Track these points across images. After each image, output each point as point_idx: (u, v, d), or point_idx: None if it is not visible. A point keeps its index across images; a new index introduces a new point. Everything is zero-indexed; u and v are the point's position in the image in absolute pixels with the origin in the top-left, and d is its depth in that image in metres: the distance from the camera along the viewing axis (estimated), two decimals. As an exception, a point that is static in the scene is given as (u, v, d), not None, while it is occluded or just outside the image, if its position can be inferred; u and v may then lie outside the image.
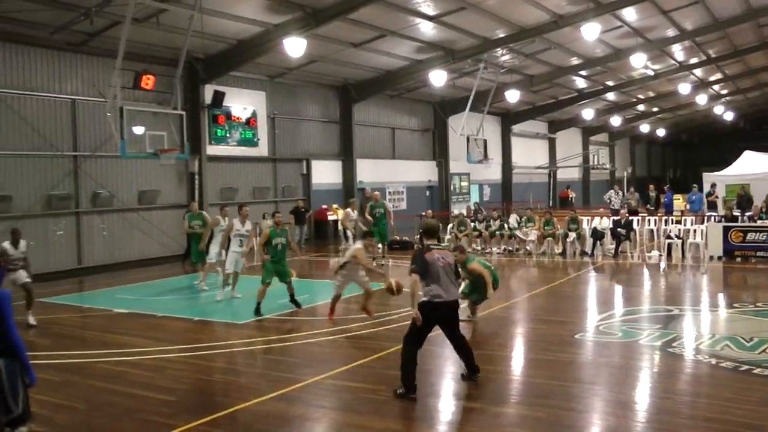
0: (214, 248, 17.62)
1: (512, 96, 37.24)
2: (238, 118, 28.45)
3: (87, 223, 23.10)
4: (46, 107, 22.03)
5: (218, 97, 26.04)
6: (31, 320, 13.93)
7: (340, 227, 30.33)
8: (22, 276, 13.99)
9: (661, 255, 23.19)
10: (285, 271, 14.78)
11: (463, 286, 13.07)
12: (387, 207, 23.31)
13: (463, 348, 9.37)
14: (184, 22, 20.47)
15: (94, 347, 12.19)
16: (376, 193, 23.78)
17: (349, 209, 22.80)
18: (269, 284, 14.54)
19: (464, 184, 43.71)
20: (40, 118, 21.79)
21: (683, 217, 26.76)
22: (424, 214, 27.55)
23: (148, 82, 21.98)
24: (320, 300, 16.70)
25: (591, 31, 25.90)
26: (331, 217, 31.88)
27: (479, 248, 25.58)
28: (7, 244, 13.88)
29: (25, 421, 6.39)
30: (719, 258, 21.80)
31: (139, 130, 21.61)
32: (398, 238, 27.19)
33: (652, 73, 39.74)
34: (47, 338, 13.02)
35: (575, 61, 34.91)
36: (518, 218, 26.11)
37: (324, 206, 32.22)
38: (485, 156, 35.92)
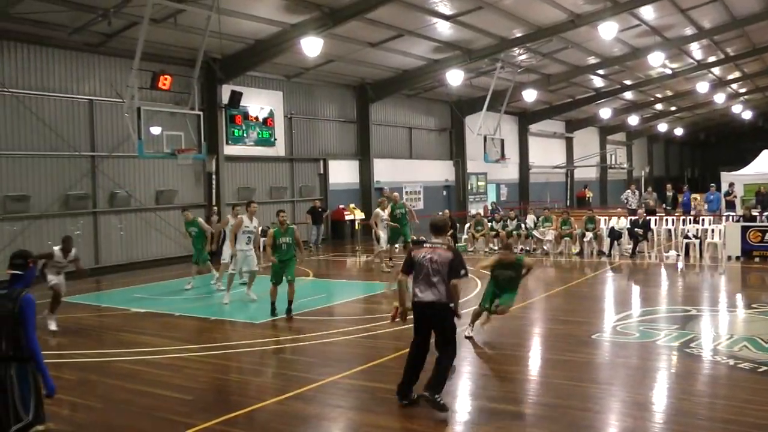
0: (227, 248, 17.63)
1: (529, 95, 37.13)
2: (255, 118, 28.52)
3: (104, 223, 23.22)
4: (63, 108, 22.17)
5: (235, 97, 26.09)
6: (52, 326, 13.57)
7: (357, 227, 30.37)
8: (61, 281, 13.75)
9: (678, 255, 23.10)
10: (289, 270, 14.35)
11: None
12: (408, 206, 23.21)
13: (438, 362, 8.49)
14: (201, 22, 20.54)
15: (112, 346, 12.27)
16: (395, 194, 23.63)
17: (378, 209, 22.37)
18: (277, 283, 14.46)
19: (481, 183, 43.65)
20: (57, 118, 21.93)
21: (701, 217, 26.62)
22: (440, 214, 27.48)
23: (165, 82, 22.06)
24: (337, 300, 16.78)
25: (608, 30, 25.76)
26: (348, 217, 31.89)
27: (496, 248, 25.52)
28: (57, 250, 13.56)
29: (42, 422, 6.34)
30: (737, 258, 21.67)
31: (156, 130, 21.71)
32: (414, 237, 27.07)
33: (669, 71, 39.50)
34: (65, 337, 13.09)
35: (592, 60, 34.77)
36: (535, 218, 26.06)
37: (341, 206, 32.25)
38: (502, 156, 35.86)
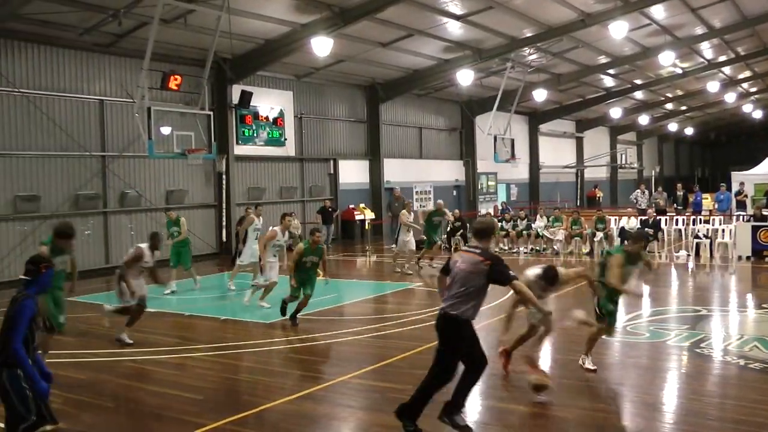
0: (247, 250, 17.52)
1: (539, 95, 37.06)
2: (265, 118, 28.52)
3: (115, 223, 23.26)
4: (74, 108, 22.22)
5: (245, 96, 26.10)
6: (125, 338, 12.53)
7: (367, 227, 30.35)
8: (141, 285, 12.82)
9: (689, 255, 23.04)
10: (310, 284, 13.75)
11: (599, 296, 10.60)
12: (447, 215, 23.08)
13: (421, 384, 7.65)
14: (211, 22, 20.57)
15: (122, 346, 12.26)
16: (440, 201, 23.36)
17: (404, 210, 22.01)
18: (295, 298, 13.99)
19: (491, 183, 43.57)
20: (68, 118, 21.99)
21: (711, 217, 26.55)
22: (456, 211, 27.46)
23: (175, 82, 22.10)
24: (347, 300, 16.77)
25: (619, 30, 25.70)
26: (358, 217, 31.88)
27: (506, 248, 25.52)
28: (145, 248, 12.79)
29: (49, 423, 6.31)
30: (748, 258, 21.61)
31: (166, 130, 21.75)
32: (424, 237, 27.05)
33: (680, 71, 39.35)
34: (74, 336, 13.08)
35: (603, 59, 34.67)
36: (546, 218, 25.98)
37: (351, 206, 32.25)
38: (512, 155, 35.81)
